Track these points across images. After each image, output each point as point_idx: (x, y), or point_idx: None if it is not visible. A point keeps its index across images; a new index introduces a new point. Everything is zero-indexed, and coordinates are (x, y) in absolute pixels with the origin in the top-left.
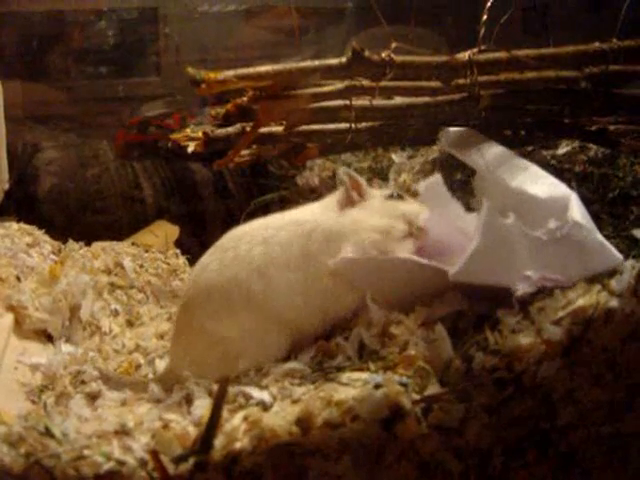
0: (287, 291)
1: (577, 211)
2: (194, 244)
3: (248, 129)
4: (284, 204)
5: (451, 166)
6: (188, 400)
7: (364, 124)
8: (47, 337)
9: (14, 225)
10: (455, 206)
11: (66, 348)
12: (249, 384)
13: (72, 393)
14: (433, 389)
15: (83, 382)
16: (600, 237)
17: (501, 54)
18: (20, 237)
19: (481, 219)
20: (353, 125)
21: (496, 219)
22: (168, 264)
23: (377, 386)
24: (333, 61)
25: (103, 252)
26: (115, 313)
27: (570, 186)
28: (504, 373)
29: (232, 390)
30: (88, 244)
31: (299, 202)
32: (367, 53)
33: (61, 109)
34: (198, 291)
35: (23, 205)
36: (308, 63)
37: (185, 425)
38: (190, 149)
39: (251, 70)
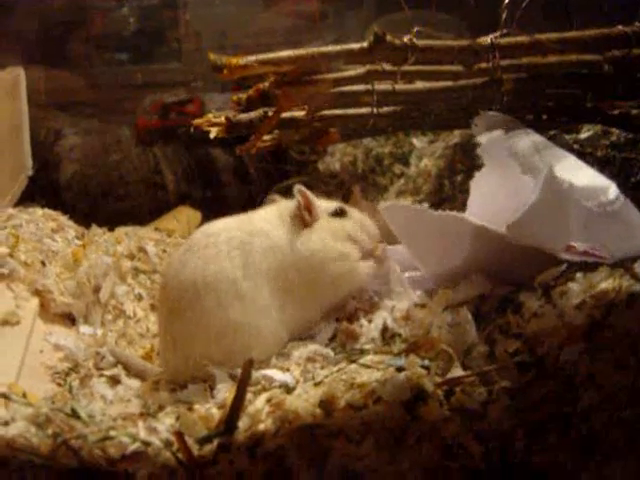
0: (270, 296)
1: (621, 197)
2: None
3: (270, 114)
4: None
5: (473, 151)
6: (210, 386)
7: (386, 109)
8: (71, 320)
9: (38, 211)
10: (514, 166)
11: (88, 331)
12: (271, 367)
13: (95, 376)
14: (455, 372)
15: (101, 368)
16: None
17: (523, 38)
18: (45, 222)
19: (541, 177)
20: (375, 110)
21: (555, 180)
22: None
23: (399, 369)
24: (355, 46)
25: (126, 237)
26: (139, 297)
27: None
28: (526, 357)
29: (254, 374)
30: (111, 229)
31: (320, 188)
32: (389, 37)
33: (83, 95)
34: (185, 289)
35: (47, 191)
36: (330, 48)
37: (209, 407)
38: (212, 134)
39: (272, 55)
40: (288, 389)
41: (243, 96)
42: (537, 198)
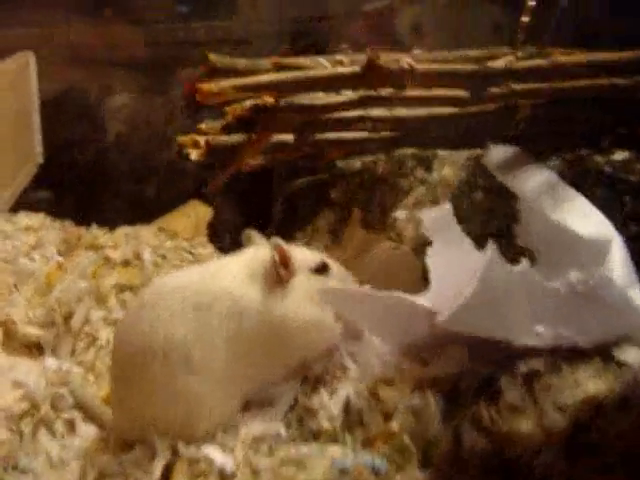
0: (225, 364)
1: (617, 259)
2: (228, 226)
3: (254, 137)
4: (323, 188)
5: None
6: (151, 455)
7: (385, 133)
8: (40, 350)
9: (23, 220)
10: (465, 242)
11: (54, 364)
12: (216, 444)
13: (53, 419)
14: (411, 472)
15: (60, 410)
16: (636, 294)
17: (542, 61)
18: (26, 236)
19: (483, 263)
20: (371, 135)
21: (501, 264)
22: (193, 254)
23: (343, 471)
24: (345, 70)
25: (125, 240)
26: (116, 322)
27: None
28: (494, 459)
29: (196, 452)
30: (112, 228)
31: (339, 187)
32: (384, 61)
33: (133, 52)
34: (132, 354)
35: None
36: (317, 72)
37: None
38: (193, 157)
39: (250, 80)
40: (224, 477)
41: (215, 125)
42: (473, 289)
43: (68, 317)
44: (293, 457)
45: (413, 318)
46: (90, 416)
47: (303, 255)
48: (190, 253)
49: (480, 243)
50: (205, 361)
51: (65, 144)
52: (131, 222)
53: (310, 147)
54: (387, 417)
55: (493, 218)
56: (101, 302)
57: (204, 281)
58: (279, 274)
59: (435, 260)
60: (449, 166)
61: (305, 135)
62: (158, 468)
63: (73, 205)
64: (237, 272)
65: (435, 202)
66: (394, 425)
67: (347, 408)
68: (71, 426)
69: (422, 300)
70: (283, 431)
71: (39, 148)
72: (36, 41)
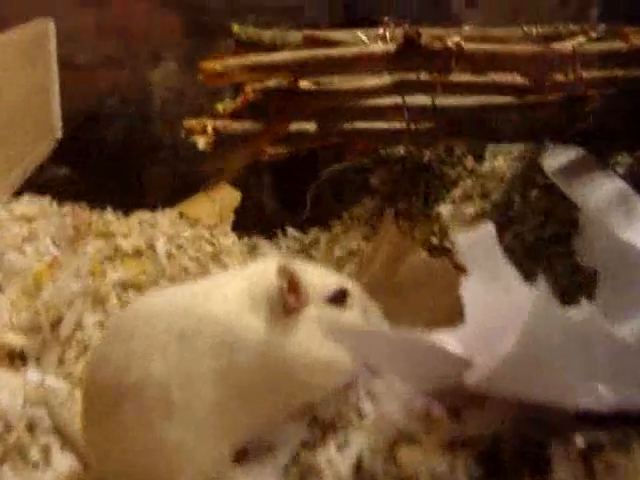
0: (213, 405)
1: None
2: (257, 214)
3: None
4: (363, 174)
5: None
6: None
7: (425, 125)
8: (24, 361)
9: (19, 208)
10: (510, 275)
11: (36, 377)
12: None
13: (27, 445)
14: None
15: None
16: None
17: (619, 44)
18: (19, 227)
19: (530, 304)
20: (408, 126)
21: (553, 307)
22: (213, 245)
23: None
24: (377, 48)
25: (139, 227)
26: None
27: None
28: None
29: None
30: (127, 214)
31: (380, 174)
32: (424, 39)
33: (172, 19)
34: (103, 392)
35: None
36: (342, 50)
37: None
38: (200, 146)
39: (263, 58)
40: None
41: (229, 106)
42: (518, 339)
43: (56, 322)
44: None
45: (444, 365)
46: (67, 443)
47: (317, 279)
48: (210, 244)
49: (532, 251)
50: (188, 404)
51: (88, 119)
52: (154, 206)
53: (336, 137)
54: None
55: (550, 222)
56: (99, 304)
57: (193, 304)
58: (286, 303)
59: (472, 294)
60: (503, 157)
61: (329, 125)
62: None
63: (93, 185)
64: (235, 294)
65: (484, 196)
66: None
67: (358, 469)
68: (45, 453)
69: (455, 341)
70: None
71: (58, 123)
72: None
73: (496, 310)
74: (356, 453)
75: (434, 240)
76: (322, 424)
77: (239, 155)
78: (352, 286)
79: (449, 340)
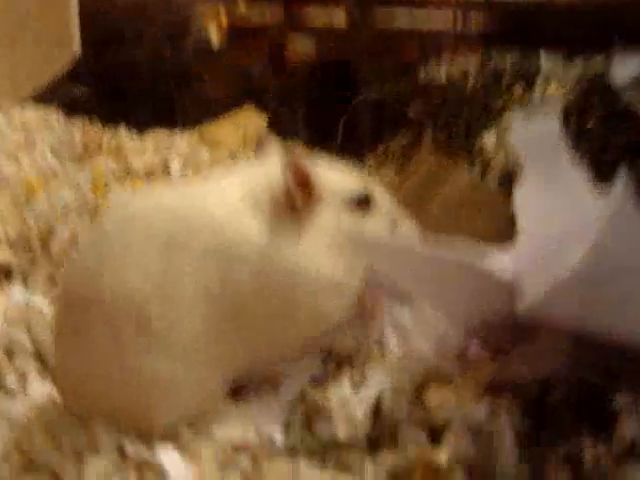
0: (203, 326)
1: None
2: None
3: None
4: (399, 104)
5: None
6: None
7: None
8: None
9: (17, 115)
10: (576, 177)
11: (21, 297)
12: (176, 447)
13: (3, 369)
14: None
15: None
16: None
17: None
18: (17, 132)
19: (605, 209)
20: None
21: (635, 216)
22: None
23: None
24: None
25: (154, 147)
26: None
27: None
28: None
29: (146, 455)
30: (141, 132)
31: (419, 103)
32: None
33: None
34: (72, 305)
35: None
36: None
37: None
38: (214, 41)
39: None
40: None
41: None
42: (586, 252)
43: (47, 236)
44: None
45: (486, 291)
46: (49, 369)
47: (336, 178)
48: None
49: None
50: (170, 324)
51: (110, 39)
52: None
53: (369, 38)
54: (434, 436)
55: (609, 153)
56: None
57: (183, 206)
58: (294, 201)
59: (528, 201)
60: (556, 84)
61: (360, 14)
62: (91, 470)
63: (110, 105)
64: (233, 195)
65: None
66: (443, 454)
67: (377, 412)
68: (23, 380)
69: (502, 261)
70: (279, 436)
71: (76, 37)
72: None
73: (557, 219)
74: (375, 393)
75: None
76: (337, 359)
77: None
78: (381, 192)
79: (495, 260)
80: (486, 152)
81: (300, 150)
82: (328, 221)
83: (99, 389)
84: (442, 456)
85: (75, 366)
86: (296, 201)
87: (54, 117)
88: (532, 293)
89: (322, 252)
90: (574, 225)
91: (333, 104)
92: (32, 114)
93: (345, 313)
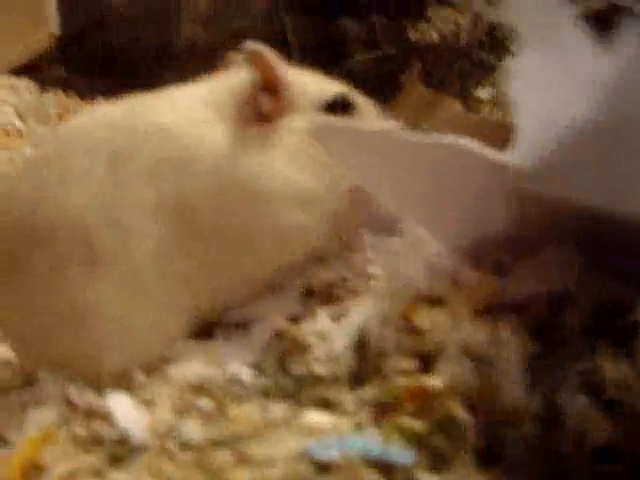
0: (156, 254)
1: None
2: None
3: None
4: (389, 65)
5: None
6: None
7: None
8: None
9: None
10: (578, 37)
11: None
12: (129, 390)
13: None
14: (462, 471)
15: None
16: None
17: None
18: None
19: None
20: None
21: None
22: None
23: (323, 467)
24: None
25: None
26: None
27: None
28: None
29: (92, 402)
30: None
31: (410, 64)
32: None
33: None
34: (8, 228)
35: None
36: None
37: None
38: None
39: None
40: (127, 449)
41: None
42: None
43: None
44: (252, 426)
45: (481, 183)
46: None
47: (311, 82)
48: None
49: None
50: (118, 250)
51: (92, 19)
52: None
53: None
54: (426, 362)
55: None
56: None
57: (132, 116)
58: (260, 106)
59: (525, 73)
60: None
61: None
62: (32, 421)
63: (91, 85)
64: (189, 103)
65: None
66: (436, 380)
67: (361, 343)
68: None
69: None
70: (246, 374)
71: (53, 15)
72: None
73: (558, 83)
74: (358, 324)
75: None
76: (316, 294)
77: None
78: (365, 101)
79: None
80: (483, 104)
81: (269, 51)
82: (300, 130)
83: (42, 332)
84: (435, 381)
85: (15, 309)
86: (263, 106)
87: (23, 85)
88: (532, 153)
89: (292, 165)
90: (577, 85)
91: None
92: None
93: (319, 237)
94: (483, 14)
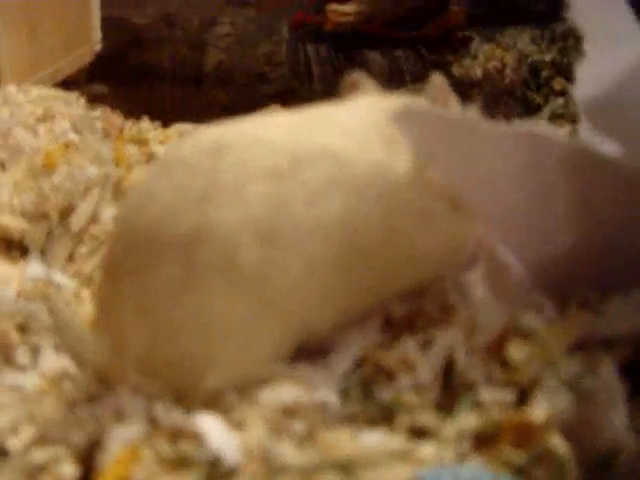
0: (307, 274)
1: None
2: None
3: None
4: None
5: None
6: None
7: None
8: (24, 251)
9: (35, 91)
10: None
11: (37, 271)
12: (219, 412)
13: (15, 345)
14: None
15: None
16: None
17: None
18: (34, 106)
19: None
20: None
21: None
22: None
23: None
24: None
25: (179, 137)
26: None
27: None
28: None
29: (181, 421)
30: (166, 126)
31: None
32: None
33: None
34: (134, 242)
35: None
36: None
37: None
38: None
39: None
40: (219, 472)
41: None
42: None
43: (67, 211)
44: (345, 452)
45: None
46: (67, 344)
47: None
48: None
49: None
50: (265, 269)
51: (132, 40)
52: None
53: None
54: (522, 395)
55: None
56: (121, 196)
57: (294, 136)
58: None
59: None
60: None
61: None
62: (115, 438)
63: (132, 103)
64: (357, 126)
65: (575, 120)
66: (536, 413)
67: (449, 370)
68: (34, 352)
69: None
70: (335, 399)
71: (97, 34)
72: None
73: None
74: (444, 352)
75: None
76: (397, 324)
77: None
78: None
79: None
80: None
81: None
82: None
83: (152, 332)
84: (537, 413)
85: (130, 308)
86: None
87: (74, 98)
88: None
89: None
90: None
91: None
92: (51, 92)
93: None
94: (528, 52)
